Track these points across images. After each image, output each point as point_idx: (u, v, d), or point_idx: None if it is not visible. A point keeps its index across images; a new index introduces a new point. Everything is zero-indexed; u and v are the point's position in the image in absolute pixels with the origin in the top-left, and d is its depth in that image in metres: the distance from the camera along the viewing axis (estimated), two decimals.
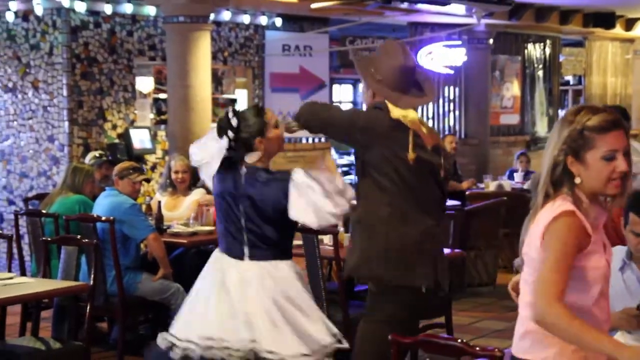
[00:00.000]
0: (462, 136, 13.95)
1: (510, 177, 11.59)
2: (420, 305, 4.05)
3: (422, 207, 3.97)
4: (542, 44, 15.68)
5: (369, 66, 4.17)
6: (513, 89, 15.19)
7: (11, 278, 5.08)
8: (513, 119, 15.26)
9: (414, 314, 4.02)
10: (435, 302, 4.29)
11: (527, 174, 11.64)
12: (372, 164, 4.01)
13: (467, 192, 10.39)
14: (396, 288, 3.97)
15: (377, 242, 3.92)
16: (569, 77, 18.86)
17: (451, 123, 14.26)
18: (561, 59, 16.72)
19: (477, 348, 2.79)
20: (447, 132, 13.28)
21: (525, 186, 10.58)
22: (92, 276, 5.38)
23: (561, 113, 16.92)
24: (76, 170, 7.22)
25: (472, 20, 12.05)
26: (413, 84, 4.15)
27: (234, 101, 11.83)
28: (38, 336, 5.36)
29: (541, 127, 15.77)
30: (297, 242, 6.02)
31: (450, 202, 9.39)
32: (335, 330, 4.00)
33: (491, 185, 10.59)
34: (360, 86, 4.40)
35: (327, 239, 6.14)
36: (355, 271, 4.07)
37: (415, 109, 4.17)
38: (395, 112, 4.00)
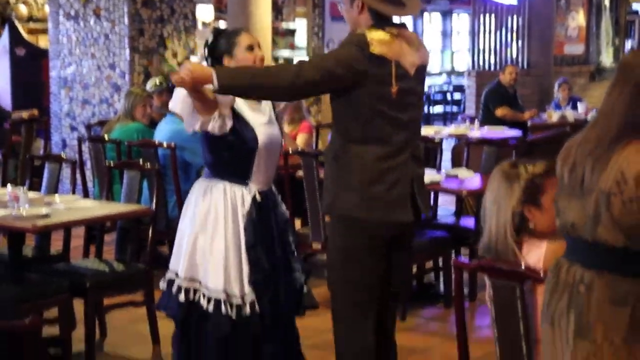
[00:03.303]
0: (525, 66, 13.72)
1: (557, 108, 11.34)
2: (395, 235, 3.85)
3: (402, 137, 3.71)
4: None
5: None
6: (578, 18, 14.86)
7: (75, 201, 5.15)
8: (577, 49, 14.96)
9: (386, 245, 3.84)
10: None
11: (573, 102, 11.41)
12: (350, 102, 3.65)
13: (529, 123, 10.25)
14: (374, 224, 3.71)
15: (355, 178, 3.69)
16: (637, 7, 18.38)
17: (514, 54, 14.02)
18: None
19: (542, 273, 2.77)
20: (508, 63, 13.05)
21: (589, 117, 10.39)
22: (154, 201, 5.44)
23: (628, 44, 16.53)
24: (129, 94, 7.31)
25: None
26: None
27: (293, 31, 11.75)
28: (102, 258, 5.45)
29: (606, 57, 15.45)
30: None
31: (511, 133, 9.30)
32: None
33: (554, 116, 10.43)
34: (341, 5, 3.81)
35: None
36: (330, 209, 3.76)
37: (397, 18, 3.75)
38: (376, 47, 3.62)
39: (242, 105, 3.96)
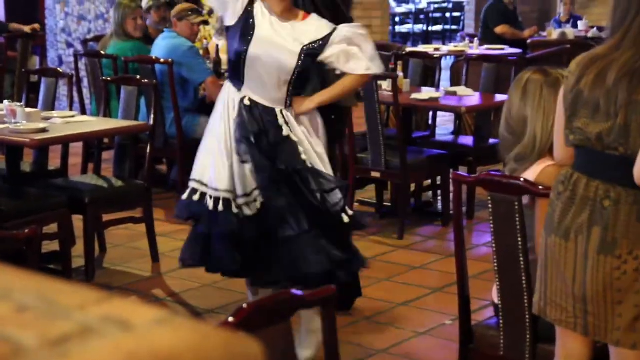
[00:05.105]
0: None
1: (557, 25, 11.22)
2: None
3: None
4: None
5: None
6: None
7: (73, 116, 5.12)
8: None
9: None
10: None
11: (574, 20, 11.29)
12: None
13: (528, 41, 10.16)
14: None
15: None
16: None
17: None
18: None
19: (540, 187, 2.77)
20: None
21: (590, 34, 10.30)
22: (152, 116, 5.41)
23: None
24: (117, 6, 7.04)
25: None
26: None
27: None
28: (100, 175, 5.45)
29: None
30: None
31: (511, 50, 9.23)
32: None
33: (554, 34, 10.34)
34: None
35: (385, 85, 6.08)
36: None
37: None
38: None
39: (262, 17, 3.93)
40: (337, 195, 3.87)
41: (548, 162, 2.97)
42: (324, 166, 3.92)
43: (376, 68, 3.97)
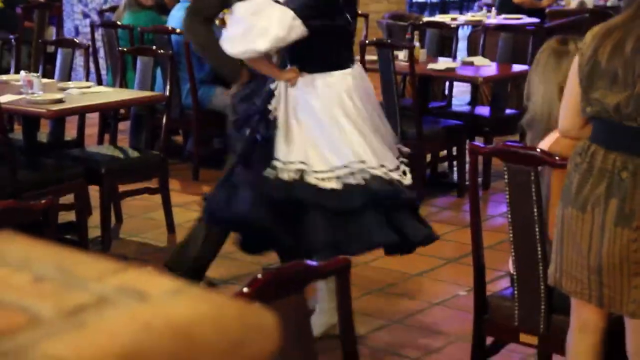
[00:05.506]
0: None
1: None
2: None
3: None
4: None
5: None
6: None
7: (89, 87, 5.13)
8: None
9: None
10: None
11: None
12: None
13: (546, 10, 10.08)
14: None
15: None
16: None
17: None
18: None
19: (557, 158, 2.76)
20: None
21: (609, 3, 10.21)
22: (168, 87, 5.42)
23: None
24: None
25: None
26: None
27: None
28: (116, 145, 5.46)
29: None
30: (372, 57, 5.97)
31: (528, 20, 9.15)
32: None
33: (572, 3, 10.24)
34: None
35: (402, 55, 6.05)
36: None
37: None
38: None
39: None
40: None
41: (555, 135, 2.96)
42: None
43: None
